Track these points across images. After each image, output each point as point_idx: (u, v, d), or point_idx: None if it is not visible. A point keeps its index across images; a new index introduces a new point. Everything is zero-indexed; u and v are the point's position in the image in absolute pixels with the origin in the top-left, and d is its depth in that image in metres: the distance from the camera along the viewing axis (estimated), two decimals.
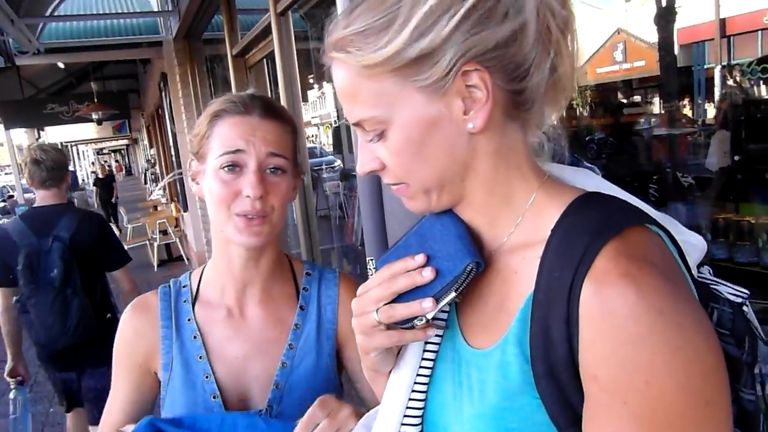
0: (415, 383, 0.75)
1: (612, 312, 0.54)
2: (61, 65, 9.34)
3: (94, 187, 14.55)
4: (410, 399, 0.75)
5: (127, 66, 11.17)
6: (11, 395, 2.62)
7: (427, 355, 0.76)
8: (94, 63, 9.90)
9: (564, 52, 0.65)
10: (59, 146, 2.91)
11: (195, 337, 1.08)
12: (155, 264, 9.07)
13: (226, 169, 0.98)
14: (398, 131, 0.65)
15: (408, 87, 0.63)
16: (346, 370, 1.15)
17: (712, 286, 0.67)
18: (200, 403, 1.04)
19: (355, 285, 1.16)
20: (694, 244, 0.67)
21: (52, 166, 2.63)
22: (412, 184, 0.68)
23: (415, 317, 0.66)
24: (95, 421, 2.50)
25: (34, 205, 2.71)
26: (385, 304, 0.69)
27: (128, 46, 7.89)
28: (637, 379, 0.52)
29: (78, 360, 2.58)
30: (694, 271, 0.65)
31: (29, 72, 9.72)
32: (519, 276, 0.66)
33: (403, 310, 0.67)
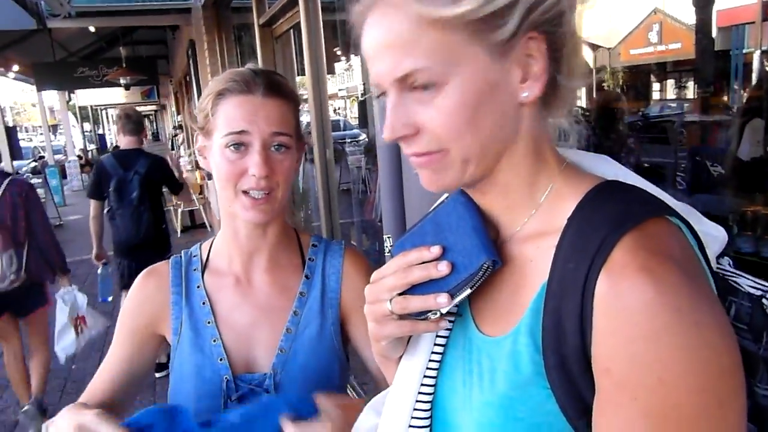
0: (426, 368, 0.74)
1: (628, 306, 0.53)
2: (91, 29, 9.40)
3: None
4: (421, 385, 0.74)
5: (156, 32, 11.21)
6: (99, 271, 4.09)
7: (439, 341, 0.75)
8: (123, 28, 9.96)
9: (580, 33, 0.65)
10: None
11: (204, 303, 1.12)
12: (178, 230, 9.20)
13: (231, 148, 1.00)
14: (456, 90, 0.61)
15: (475, 44, 0.60)
16: (352, 340, 1.17)
17: (731, 278, 0.65)
18: (207, 366, 1.08)
19: (359, 257, 1.18)
20: (714, 236, 0.65)
21: (136, 120, 3.98)
22: (454, 151, 0.64)
23: (430, 311, 0.66)
24: None
25: (121, 148, 3.99)
26: (399, 293, 0.68)
27: (157, 12, 7.91)
28: (649, 375, 0.51)
29: (140, 254, 3.76)
30: (714, 264, 0.64)
31: (61, 35, 9.82)
32: (533, 265, 0.65)
33: (417, 303, 0.67)
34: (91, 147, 22.37)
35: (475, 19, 0.59)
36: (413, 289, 0.68)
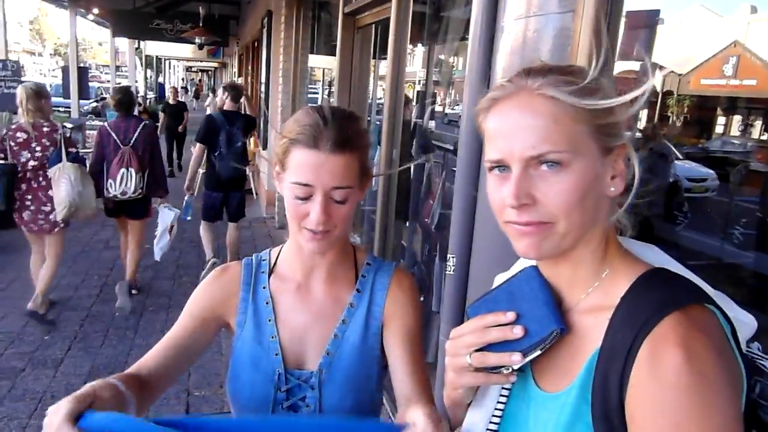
0: (492, 416, 0.88)
1: (660, 366, 0.64)
2: None
3: (162, 114, 12.24)
4: (487, 430, 0.88)
5: None
6: (186, 198, 5.34)
7: (503, 392, 0.89)
8: None
9: None
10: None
11: (267, 303, 1.26)
12: None
13: (297, 194, 1.10)
14: (573, 174, 0.74)
15: (594, 141, 0.75)
16: (384, 344, 1.27)
17: (759, 361, 0.77)
18: (264, 358, 1.22)
19: (406, 277, 1.31)
20: (745, 323, 0.75)
21: (238, 91, 5.60)
22: (560, 224, 0.76)
23: (503, 366, 0.79)
24: (235, 219, 5.56)
25: (225, 109, 5.34)
26: (477, 350, 0.81)
27: None
28: (668, 421, 0.63)
29: (233, 186, 5.35)
30: (743, 347, 0.73)
31: None
32: (590, 333, 0.77)
33: (494, 359, 0.80)
34: (150, 95, 22.87)
35: (601, 124, 0.74)
36: (489, 347, 0.81)
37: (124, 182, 4.48)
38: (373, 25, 4.27)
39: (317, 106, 1.14)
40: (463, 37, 3.89)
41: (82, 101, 13.41)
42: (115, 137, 4.55)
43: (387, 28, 3.34)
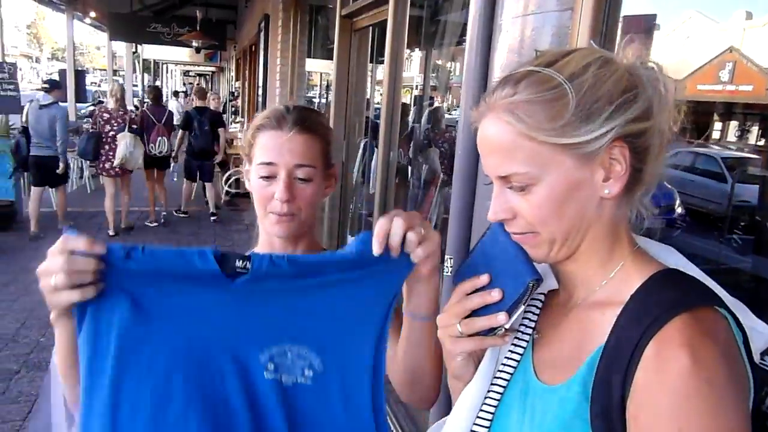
0: (485, 404, 0.87)
1: (666, 369, 0.63)
2: None
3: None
4: (479, 417, 0.86)
5: None
6: (172, 166, 8.19)
7: (500, 381, 0.87)
8: None
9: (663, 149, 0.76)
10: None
11: None
12: (222, 195, 9.40)
13: (262, 176, 1.14)
14: (545, 188, 0.74)
15: (563, 154, 0.73)
16: None
17: None
18: None
19: None
20: (760, 332, 0.73)
21: (204, 92, 8.64)
22: (543, 234, 0.77)
23: (495, 328, 0.79)
24: (209, 180, 8.28)
25: (196, 105, 8.26)
26: (465, 317, 0.82)
27: None
28: (671, 425, 0.62)
29: (202, 156, 8.03)
30: (756, 357, 0.73)
31: None
32: (596, 328, 0.76)
33: (481, 323, 0.80)
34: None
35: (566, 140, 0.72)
36: (477, 311, 0.81)
37: (159, 145, 7.51)
38: (371, 28, 4.27)
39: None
40: (460, 41, 3.90)
41: (79, 104, 13.43)
42: (153, 117, 7.48)
43: (384, 31, 3.34)
